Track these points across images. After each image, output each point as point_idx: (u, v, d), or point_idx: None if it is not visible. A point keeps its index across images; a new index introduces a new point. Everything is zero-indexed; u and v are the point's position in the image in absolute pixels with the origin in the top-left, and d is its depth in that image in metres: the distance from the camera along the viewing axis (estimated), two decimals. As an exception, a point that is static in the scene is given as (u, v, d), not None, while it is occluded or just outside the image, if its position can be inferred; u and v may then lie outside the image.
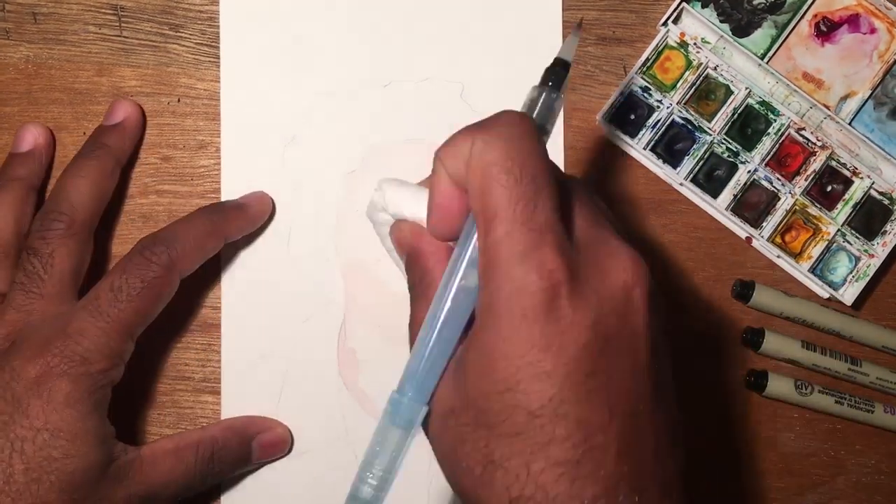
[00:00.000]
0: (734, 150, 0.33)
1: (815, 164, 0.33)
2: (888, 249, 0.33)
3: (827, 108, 0.33)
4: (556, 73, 0.24)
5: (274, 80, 0.33)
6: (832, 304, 0.34)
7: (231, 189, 0.33)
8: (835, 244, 0.33)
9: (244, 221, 0.32)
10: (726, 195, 0.33)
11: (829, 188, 0.33)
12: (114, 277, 0.28)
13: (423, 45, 0.34)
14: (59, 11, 0.33)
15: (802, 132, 0.33)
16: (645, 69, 0.33)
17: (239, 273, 0.33)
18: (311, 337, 0.32)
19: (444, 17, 0.34)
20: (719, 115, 0.33)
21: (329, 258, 0.33)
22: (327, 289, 0.33)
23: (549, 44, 0.34)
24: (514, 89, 0.33)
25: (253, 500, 0.32)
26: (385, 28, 0.34)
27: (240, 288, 0.33)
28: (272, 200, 0.33)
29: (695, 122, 0.33)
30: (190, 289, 0.33)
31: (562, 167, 0.34)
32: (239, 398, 0.32)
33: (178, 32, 0.34)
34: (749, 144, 0.33)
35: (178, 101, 0.34)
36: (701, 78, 0.33)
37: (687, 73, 0.33)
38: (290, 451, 0.32)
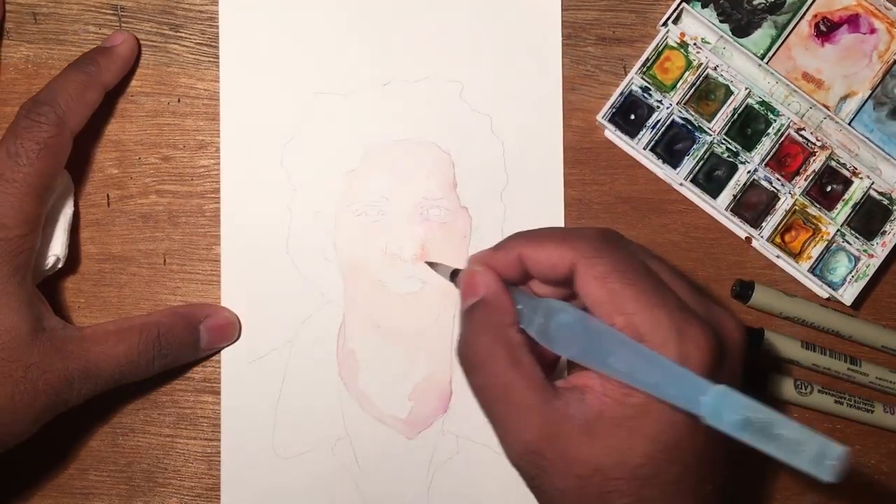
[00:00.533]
0: (734, 150, 0.34)
1: (815, 165, 0.34)
2: (888, 249, 0.34)
3: (827, 108, 0.34)
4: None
5: (273, 80, 0.34)
6: (832, 303, 0.35)
7: (231, 189, 0.34)
8: (834, 244, 0.34)
9: (115, 64, 0.33)
10: (726, 195, 0.34)
11: (828, 188, 0.34)
12: (8, 145, 0.29)
13: (422, 45, 0.34)
14: (59, 11, 0.34)
15: (802, 132, 0.34)
16: (645, 69, 0.34)
17: (238, 273, 0.33)
18: (311, 337, 0.33)
19: (444, 16, 0.35)
20: (719, 115, 0.34)
21: (328, 258, 0.34)
22: (326, 289, 0.34)
23: (548, 43, 0.35)
24: (514, 88, 0.34)
25: (253, 499, 0.33)
26: (384, 27, 0.34)
27: (239, 289, 0.33)
28: (135, 38, 0.33)
29: (695, 123, 0.34)
30: (191, 289, 0.34)
31: (561, 167, 0.35)
32: (239, 398, 0.33)
33: (178, 32, 0.34)
34: (749, 144, 0.34)
35: (178, 101, 0.34)
36: (701, 78, 0.34)
37: (687, 73, 0.34)
38: (238, 337, 0.33)
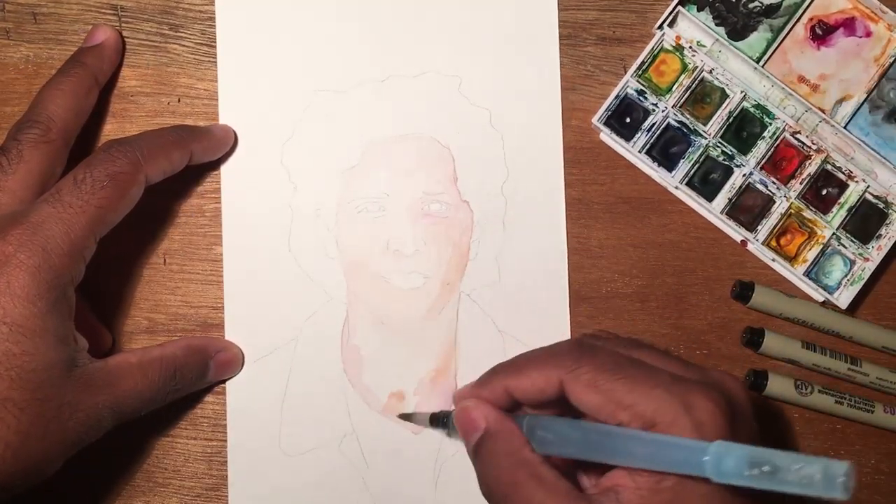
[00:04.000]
0: (729, 153, 0.39)
1: (811, 168, 0.39)
2: (883, 253, 0.39)
3: (822, 111, 0.39)
4: None
5: (271, 78, 0.39)
6: (831, 304, 0.40)
7: (231, 188, 0.39)
8: (830, 248, 0.39)
9: (209, 142, 0.37)
10: (721, 198, 0.39)
11: (824, 192, 0.39)
12: (77, 171, 0.32)
13: (420, 40, 0.40)
14: (59, 11, 0.40)
15: (798, 136, 0.39)
16: (640, 72, 0.39)
17: (241, 272, 0.39)
18: (315, 335, 0.38)
19: (441, 11, 0.40)
20: (714, 118, 0.39)
21: (330, 255, 0.39)
22: (329, 286, 0.39)
23: (545, 36, 0.40)
24: (512, 81, 0.40)
25: (261, 496, 0.38)
26: (382, 23, 0.39)
27: (242, 287, 0.39)
28: (235, 133, 0.38)
29: (690, 126, 0.39)
30: (191, 289, 0.39)
31: (561, 167, 0.40)
32: (244, 397, 0.38)
33: (178, 32, 0.40)
34: (744, 148, 0.39)
35: (178, 101, 0.40)
36: (696, 81, 0.39)
37: (682, 76, 0.39)
38: (240, 369, 0.38)
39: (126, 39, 0.40)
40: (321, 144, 0.39)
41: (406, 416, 0.38)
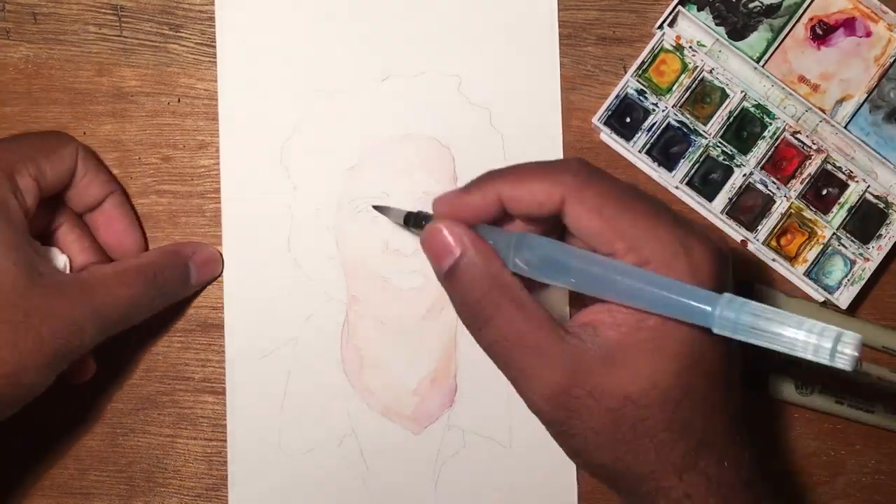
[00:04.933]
0: (729, 153, 0.40)
1: (811, 168, 0.40)
2: (883, 253, 0.40)
3: (822, 111, 0.40)
4: None
5: (271, 79, 0.40)
6: (831, 304, 0.41)
7: (231, 188, 0.39)
8: (830, 248, 0.40)
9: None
10: (721, 198, 0.40)
11: (824, 192, 0.40)
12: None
13: (419, 40, 0.40)
14: (59, 11, 0.40)
15: (798, 136, 0.40)
16: (640, 72, 0.40)
17: (241, 272, 0.39)
18: (314, 335, 0.39)
19: (441, 11, 0.40)
20: (715, 118, 0.40)
21: (330, 255, 0.40)
22: (329, 286, 0.39)
23: (545, 36, 0.40)
24: (511, 82, 0.40)
25: (261, 496, 0.39)
26: (381, 23, 0.40)
27: (242, 287, 0.39)
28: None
29: (690, 126, 0.40)
30: (190, 289, 0.40)
31: (561, 157, 0.40)
32: (243, 398, 0.39)
33: (178, 32, 0.41)
34: (744, 148, 0.40)
35: (178, 101, 0.40)
36: (696, 81, 0.40)
37: (682, 76, 0.40)
38: (221, 272, 0.39)
39: (126, 39, 0.40)
40: (321, 144, 0.40)
41: (380, 208, 0.36)
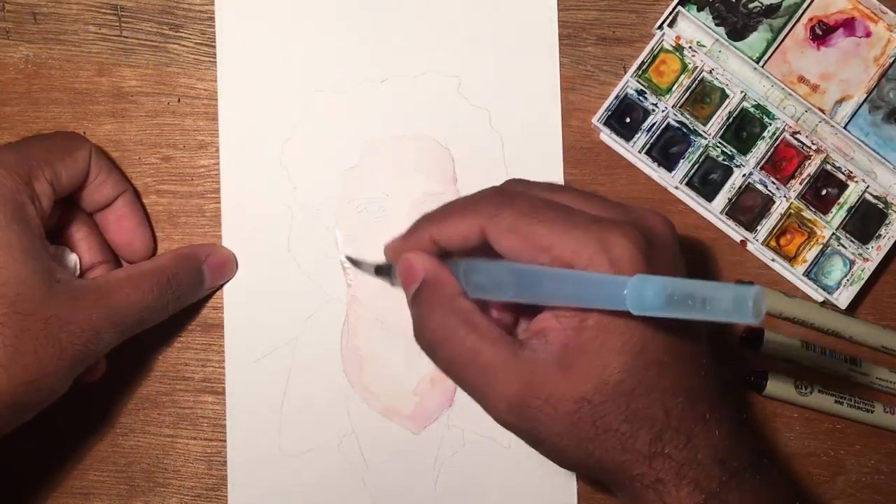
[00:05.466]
0: (729, 153, 0.40)
1: (810, 168, 0.40)
2: (883, 253, 0.40)
3: (822, 111, 0.40)
4: None
5: (271, 79, 0.40)
6: (831, 304, 0.41)
7: (231, 188, 0.40)
8: (829, 248, 0.40)
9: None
10: (721, 199, 0.40)
11: (823, 192, 0.41)
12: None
13: (419, 41, 0.41)
14: (59, 11, 0.41)
15: (797, 136, 0.41)
16: (640, 73, 0.40)
17: (241, 273, 0.40)
18: (314, 335, 0.40)
19: (441, 11, 0.41)
20: (714, 118, 0.40)
21: (330, 255, 0.40)
22: (329, 286, 0.40)
23: (544, 36, 0.41)
24: (511, 82, 0.41)
25: (260, 496, 0.39)
26: (381, 24, 0.41)
27: (242, 288, 0.40)
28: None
29: (690, 126, 0.40)
30: (190, 289, 0.40)
31: (561, 167, 0.41)
32: (243, 397, 0.39)
33: (178, 32, 0.41)
34: (744, 148, 0.40)
35: (178, 101, 0.41)
36: (696, 81, 0.40)
37: (682, 76, 0.40)
38: (234, 273, 0.40)
39: (126, 39, 0.41)
40: (321, 145, 0.40)
41: (353, 261, 0.38)
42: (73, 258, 0.37)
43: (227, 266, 0.40)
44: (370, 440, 0.39)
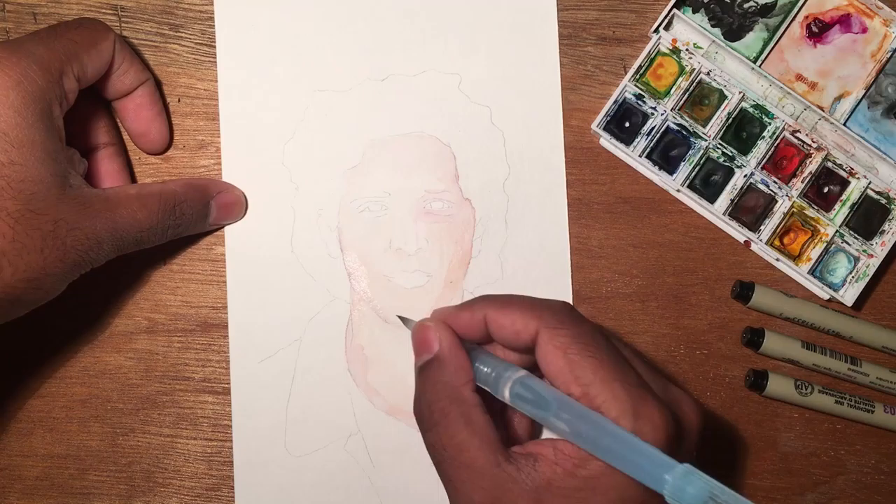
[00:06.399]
0: (730, 154, 0.41)
1: (812, 166, 0.41)
2: (887, 249, 0.41)
3: (821, 109, 0.41)
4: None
5: (271, 78, 0.41)
6: (832, 304, 0.42)
7: None
8: (833, 245, 0.41)
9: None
10: (723, 200, 0.41)
11: (825, 189, 0.41)
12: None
13: (420, 39, 0.41)
14: (59, 11, 0.41)
15: (797, 134, 0.41)
16: (638, 76, 0.41)
17: (244, 274, 0.40)
18: (319, 335, 0.40)
19: (441, 10, 0.41)
20: (714, 120, 0.41)
21: (333, 255, 0.41)
22: (332, 286, 0.40)
23: (544, 34, 0.42)
24: (512, 78, 0.41)
25: (267, 496, 0.40)
26: (381, 22, 0.41)
27: (245, 288, 0.40)
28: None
29: (689, 128, 0.41)
30: (191, 289, 0.41)
31: (562, 167, 0.42)
32: (248, 399, 0.40)
33: (178, 32, 0.42)
34: (744, 148, 0.41)
35: (178, 101, 0.41)
36: (694, 83, 0.41)
37: (680, 79, 0.41)
38: (243, 216, 0.40)
39: (126, 39, 0.41)
40: (322, 144, 0.41)
41: (403, 319, 0.38)
42: (83, 164, 0.37)
43: (235, 207, 0.40)
44: (376, 439, 0.40)
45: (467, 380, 0.32)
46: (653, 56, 0.41)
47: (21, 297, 0.32)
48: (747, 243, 0.42)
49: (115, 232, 0.34)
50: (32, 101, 0.32)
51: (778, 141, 0.41)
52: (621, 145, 0.41)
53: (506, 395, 0.31)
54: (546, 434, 0.35)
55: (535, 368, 0.32)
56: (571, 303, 0.41)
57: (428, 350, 0.32)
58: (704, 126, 0.41)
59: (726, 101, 0.41)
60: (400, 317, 0.37)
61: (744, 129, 0.41)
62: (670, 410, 0.30)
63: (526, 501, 0.29)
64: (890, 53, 0.41)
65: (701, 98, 0.41)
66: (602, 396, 0.29)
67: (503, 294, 0.33)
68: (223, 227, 0.41)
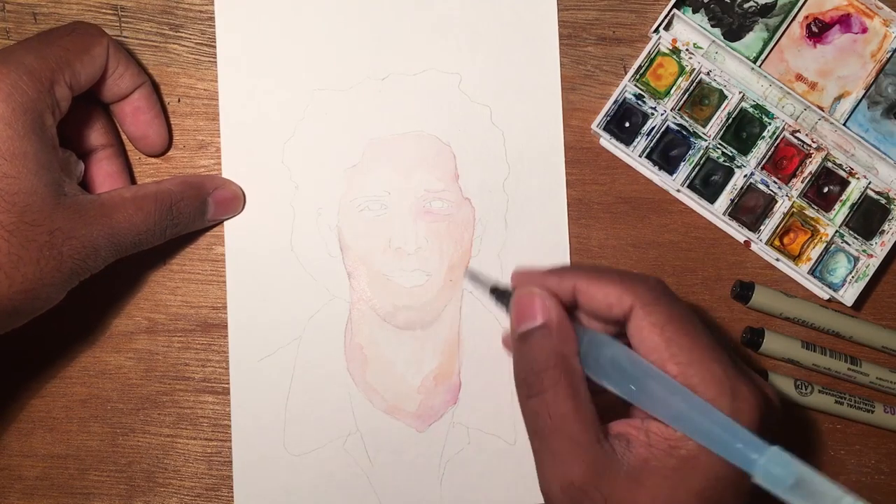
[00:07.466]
0: (730, 154, 0.42)
1: (811, 166, 0.41)
2: (887, 249, 0.41)
3: (821, 109, 0.42)
4: None
5: (271, 78, 0.41)
6: (832, 304, 0.42)
7: None
8: (833, 245, 0.42)
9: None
10: (723, 200, 0.41)
11: (825, 189, 0.42)
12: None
13: (420, 38, 0.42)
14: (59, 11, 0.42)
15: (797, 134, 0.42)
16: (638, 77, 0.42)
17: (243, 273, 0.41)
18: (318, 334, 0.41)
19: (441, 10, 0.42)
20: (714, 120, 0.41)
21: (333, 254, 0.41)
22: (332, 285, 0.41)
23: (544, 34, 0.42)
24: (512, 78, 0.42)
25: (266, 496, 0.40)
26: (381, 21, 0.42)
27: (245, 288, 0.41)
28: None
29: (689, 128, 0.41)
30: (191, 289, 0.41)
31: (562, 167, 0.42)
32: (248, 398, 0.40)
33: (178, 32, 0.42)
34: (744, 148, 0.41)
35: (178, 101, 0.42)
36: (694, 83, 0.41)
37: (680, 79, 0.42)
38: (241, 210, 0.41)
39: (126, 39, 0.42)
40: (322, 143, 0.41)
41: (474, 276, 0.38)
42: (79, 166, 0.38)
43: (233, 202, 0.40)
44: (375, 439, 0.41)
45: (576, 351, 0.31)
46: (653, 56, 0.42)
47: (19, 309, 0.33)
48: (747, 243, 0.42)
49: (113, 237, 0.35)
50: (23, 113, 0.32)
51: (778, 141, 0.42)
52: (621, 145, 0.41)
53: (601, 365, 0.31)
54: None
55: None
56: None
57: (532, 318, 0.32)
58: (704, 126, 0.42)
59: (726, 101, 0.42)
60: (493, 287, 0.36)
61: (744, 129, 0.42)
62: (763, 392, 0.30)
63: (625, 480, 0.29)
64: (890, 53, 0.42)
65: (701, 98, 0.42)
66: (700, 376, 0.29)
67: (591, 265, 0.33)
68: (223, 226, 0.41)
